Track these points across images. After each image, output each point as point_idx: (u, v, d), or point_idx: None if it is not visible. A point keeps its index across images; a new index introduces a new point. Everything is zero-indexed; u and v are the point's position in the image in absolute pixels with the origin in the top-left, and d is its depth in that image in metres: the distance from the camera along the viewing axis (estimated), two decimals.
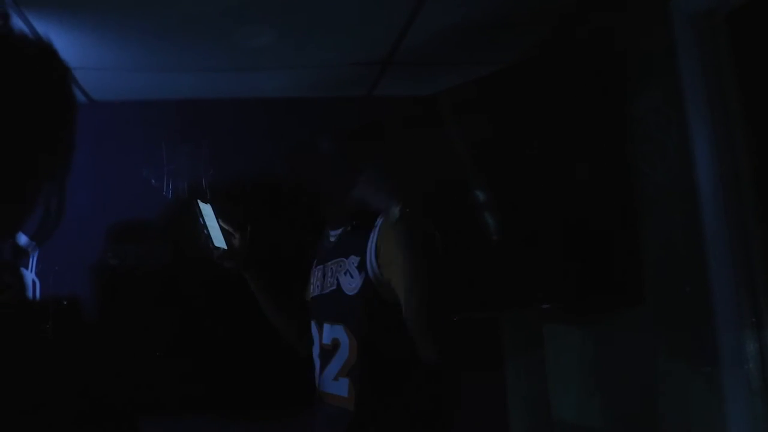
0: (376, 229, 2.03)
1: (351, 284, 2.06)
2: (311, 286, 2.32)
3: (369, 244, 2.03)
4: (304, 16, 2.58)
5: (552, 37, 2.86)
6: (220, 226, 2.36)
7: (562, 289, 2.60)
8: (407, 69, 3.20)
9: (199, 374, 3.07)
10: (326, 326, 2.14)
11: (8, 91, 0.85)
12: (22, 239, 0.90)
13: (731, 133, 2.11)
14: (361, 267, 2.04)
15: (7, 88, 0.85)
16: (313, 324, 2.24)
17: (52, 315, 2.28)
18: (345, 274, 2.10)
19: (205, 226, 2.33)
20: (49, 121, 0.91)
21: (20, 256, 0.90)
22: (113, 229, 3.16)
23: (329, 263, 2.19)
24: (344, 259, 2.12)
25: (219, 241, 2.34)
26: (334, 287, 2.13)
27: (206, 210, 2.34)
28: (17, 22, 0.88)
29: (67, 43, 2.65)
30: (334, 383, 2.08)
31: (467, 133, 2.92)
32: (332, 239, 2.25)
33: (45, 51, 0.92)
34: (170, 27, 2.59)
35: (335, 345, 2.09)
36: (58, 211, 0.91)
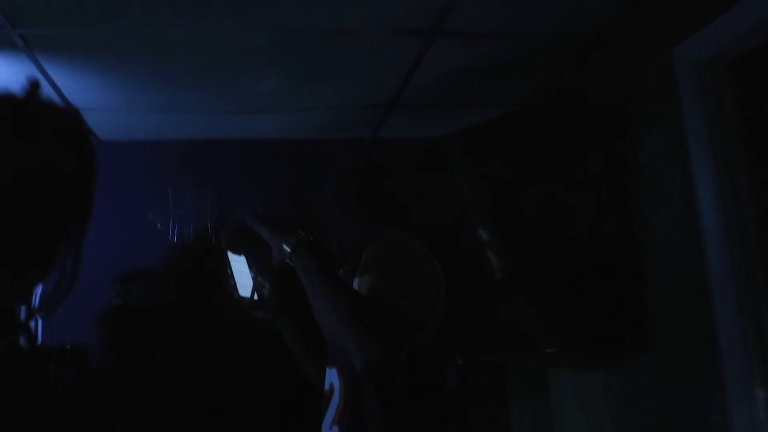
0: (362, 261, 1.90)
1: None
2: None
3: (354, 279, 1.90)
4: (311, 60, 2.61)
5: (556, 83, 2.89)
6: (252, 276, 2.34)
7: (567, 333, 2.58)
8: (412, 111, 3.23)
9: (203, 417, 3.04)
10: (327, 371, 2.01)
11: (34, 158, 0.86)
12: (36, 301, 0.91)
13: (735, 180, 2.11)
14: None
15: (33, 155, 0.86)
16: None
17: (54, 359, 2.27)
18: None
19: (232, 276, 2.32)
20: (71, 189, 0.93)
21: (33, 318, 0.91)
22: (117, 269, 3.16)
23: None
24: None
25: (248, 290, 2.33)
26: None
27: (237, 261, 2.34)
28: (45, 89, 0.90)
29: (77, 84, 2.69)
30: None
31: (472, 175, 2.93)
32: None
33: (72, 120, 0.94)
34: (179, 70, 2.63)
35: (331, 390, 1.96)
36: (72, 274, 0.92)
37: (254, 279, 2.35)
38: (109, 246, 3.14)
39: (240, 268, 2.35)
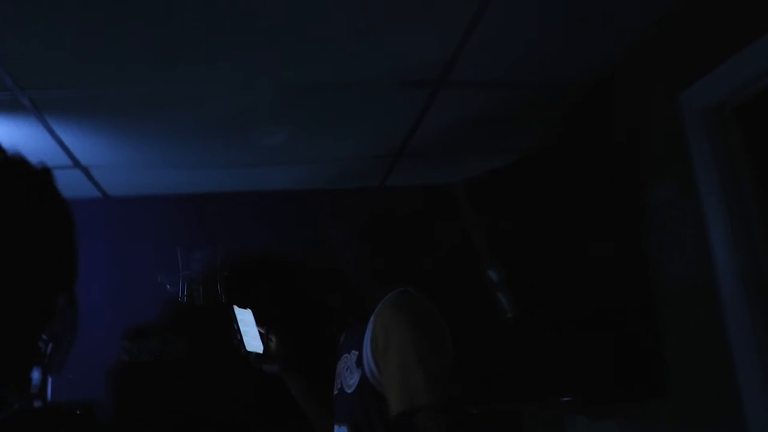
0: (372, 318, 1.91)
1: (350, 381, 1.94)
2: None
3: (365, 338, 1.91)
4: (318, 113, 2.63)
5: (562, 129, 2.89)
6: (258, 331, 2.33)
7: (583, 382, 2.54)
8: (419, 159, 3.24)
9: None
10: (336, 428, 2.01)
11: (8, 218, 0.85)
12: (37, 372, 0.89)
13: (748, 224, 2.09)
14: (359, 362, 1.92)
15: (7, 215, 0.84)
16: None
17: (65, 419, 2.23)
18: (347, 370, 1.99)
19: (238, 331, 2.31)
20: (52, 239, 0.91)
21: (45, 378, 0.89)
22: (126, 326, 3.15)
23: (341, 361, 2.10)
24: (347, 355, 2.02)
25: (253, 345, 2.32)
26: (340, 386, 2.03)
27: (243, 315, 2.33)
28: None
29: (85, 143, 2.71)
30: None
31: (483, 222, 2.93)
32: (345, 335, 2.18)
33: (32, 171, 0.91)
34: (186, 126, 2.64)
35: None
36: (72, 324, 0.90)
37: (261, 334, 2.33)
38: (118, 302, 3.13)
39: (247, 322, 2.34)
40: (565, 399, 2.71)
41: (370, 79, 2.40)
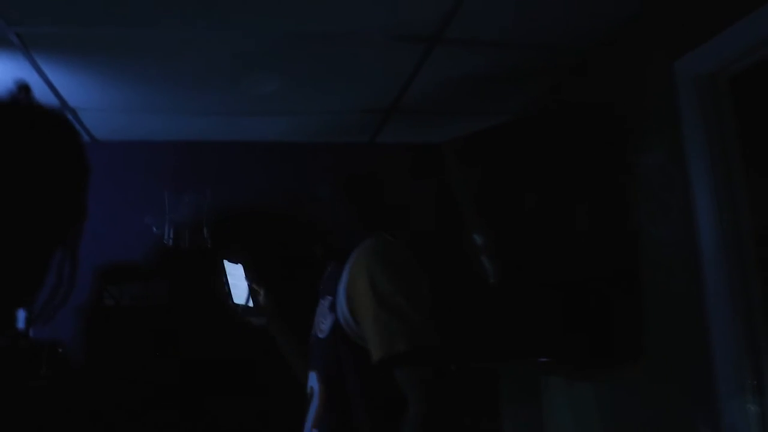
0: (348, 263, 1.87)
1: (323, 326, 1.90)
2: None
3: (340, 282, 1.87)
4: (310, 64, 2.60)
5: (555, 93, 2.88)
6: (248, 284, 2.34)
7: (560, 343, 2.58)
8: (410, 117, 3.23)
9: (193, 421, 3.02)
10: (310, 374, 1.98)
11: (26, 160, 0.85)
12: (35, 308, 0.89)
13: (733, 194, 2.11)
14: (332, 307, 1.88)
15: (25, 157, 0.85)
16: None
17: (46, 359, 2.25)
18: (321, 315, 1.95)
19: (227, 283, 2.32)
20: (63, 189, 0.92)
21: (33, 324, 0.90)
22: (110, 269, 3.14)
23: (318, 306, 2.05)
24: (322, 300, 1.98)
25: (241, 298, 2.33)
26: (314, 331, 1.99)
27: (233, 269, 2.34)
28: (41, 88, 0.90)
29: (73, 83, 2.67)
30: None
31: (469, 182, 2.93)
32: (323, 280, 2.11)
33: (61, 121, 0.93)
34: (177, 71, 2.61)
35: (311, 393, 1.93)
36: (70, 278, 0.91)
37: (250, 287, 2.35)
38: (103, 246, 3.12)
39: (236, 275, 2.35)
40: (542, 359, 2.75)
41: (365, 32, 2.37)
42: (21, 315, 0.89)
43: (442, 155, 3.12)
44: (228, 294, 2.31)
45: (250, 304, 2.34)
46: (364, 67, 2.66)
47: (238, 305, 2.33)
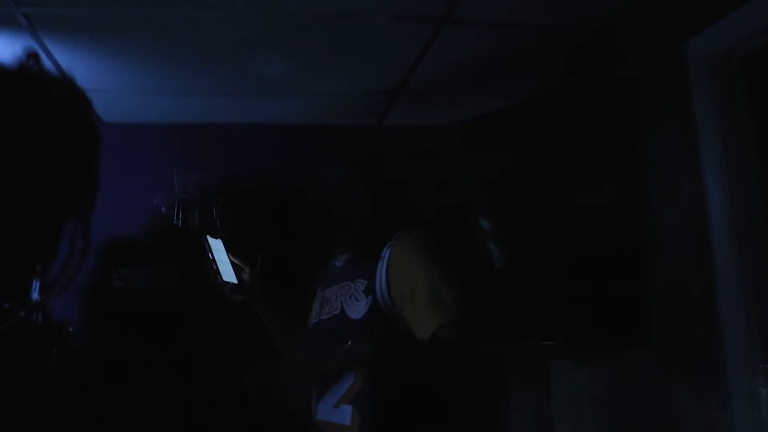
0: (386, 255, 2.00)
1: (356, 308, 2.00)
2: (313, 312, 2.26)
3: (379, 269, 1.98)
4: (318, 46, 2.59)
5: (565, 74, 2.86)
6: (231, 261, 2.33)
7: (568, 326, 2.57)
8: (418, 99, 3.21)
9: (197, 401, 3.04)
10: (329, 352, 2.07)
11: (37, 129, 0.84)
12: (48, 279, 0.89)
13: (744, 176, 2.09)
14: (368, 290, 1.99)
15: (36, 125, 0.84)
16: (314, 351, 2.17)
17: (57, 340, 2.25)
18: (350, 297, 2.04)
19: (213, 260, 2.31)
20: (74, 158, 0.91)
21: (47, 295, 0.89)
22: (119, 251, 3.15)
23: (333, 287, 2.13)
24: (350, 283, 2.06)
25: (229, 275, 2.32)
26: (338, 311, 2.06)
27: (216, 245, 2.33)
28: (46, 62, 0.88)
29: (81, 65, 2.66)
30: (334, 411, 1.99)
31: (478, 164, 2.91)
32: (338, 264, 2.20)
33: (72, 89, 0.91)
34: (185, 53, 2.60)
35: (335, 372, 2.03)
36: (83, 249, 0.90)
37: (234, 264, 2.33)
38: (111, 228, 3.13)
39: (220, 251, 2.33)
40: (548, 342, 2.75)
41: (373, 12, 2.35)
42: (36, 286, 0.89)
43: (449, 138, 3.11)
44: (216, 271, 2.31)
45: (236, 281, 2.33)
46: (372, 49, 2.64)
47: (225, 283, 2.32)
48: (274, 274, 2.38)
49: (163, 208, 3.14)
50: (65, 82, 0.91)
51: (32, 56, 0.87)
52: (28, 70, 0.87)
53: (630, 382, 2.57)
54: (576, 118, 2.56)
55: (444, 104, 3.30)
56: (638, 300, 2.45)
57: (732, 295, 2.06)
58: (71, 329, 2.53)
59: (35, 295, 0.88)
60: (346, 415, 1.96)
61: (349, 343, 2.00)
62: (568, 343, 2.73)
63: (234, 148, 3.34)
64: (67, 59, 2.61)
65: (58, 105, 0.89)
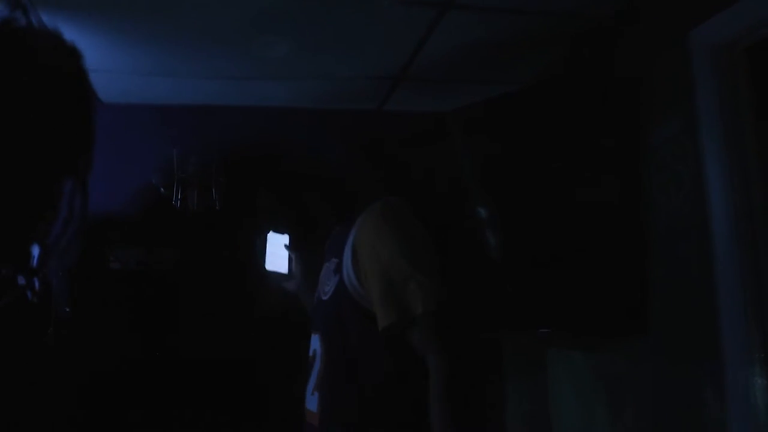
0: (355, 225, 1.86)
1: (327, 288, 1.90)
2: None
3: (346, 244, 1.86)
4: (320, 29, 2.57)
5: (567, 62, 2.84)
6: (288, 253, 2.34)
7: (565, 314, 2.57)
8: (420, 84, 3.19)
9: (194, 382, 3.04)
10: (312, 336, 1.98)
11: (28, 86, 0.82)
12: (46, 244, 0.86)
13: (746, 166, 2.09)
14: (337, 269, 1.87)
15: (27, 83, 0.82)
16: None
17: (54, 321, 2.25)
18: (325, 277, 1.95)
19: (266, 252, 2.33)
20: (68, 114, 0.88)
21: (46, 261, 0.87)
22: (116, 231, 3.14)
23: (322, 270, 2.06)
24: (327, 263, 1.99)
25: (278, 266, 2.34)
26: (318, 293, 1.99)
27: (277, 239, 2.34)
28: (34, 17, 0.85)
29: (81, 44, 2.63)
30: (311, 398, 1.90)
31: (477, 152, 2.90)
32: (328, 242, 2.14)
33: (63, 45, 0.89)
34: (186, 33, 2.58)
35: (313, 356, 1.93)
36: (82, 210, 0.88)
37: (290, 256, 2.34)
38: (108, 208, 3.12)
39: (277, 244, 2.34)
40: (543, 330, 2.75)
41: None
42: (35, 253, 0.87)
43: (449, 124, 3.09)
44: (263, 260, 2.32)
45: (285, 270, 2.35)
46: (375, 32, 2.62)
47: (272, 272, 2.34)
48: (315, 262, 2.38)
49: (162, 189, 3.13)
50: (55, 35, 0.88)
51: (19, 7, 0.84)
52: (14, 23, 0.84)
53: (628, 371, 2.57)
54: (577, 106, 2.55)
55: (445, 90, 3.29)
56: (636, 288, 2.45)
57: (730, 285, 2.06)
58: (68, 309, 2.54)
59: (35, 262, 0.87)
60: (314, 402, 1.87)
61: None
62: (565, 331, 2.73)
63: (233, 130, 3.32)
64: (67, 37, 2.58)
65: (48, 60, 0.86)
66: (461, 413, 1.68)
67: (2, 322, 0.89)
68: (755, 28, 2.04)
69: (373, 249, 1.77)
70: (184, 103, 3.29)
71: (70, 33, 2.58)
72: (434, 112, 3.46)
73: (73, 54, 0.89)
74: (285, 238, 2.36)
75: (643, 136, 2.43)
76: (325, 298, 1.90)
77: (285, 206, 2.95)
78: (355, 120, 3.41)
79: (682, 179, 2.23)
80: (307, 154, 2.68)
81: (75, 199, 0.87)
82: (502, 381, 3.40)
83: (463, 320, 2.79)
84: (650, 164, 2.39)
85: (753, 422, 1.99)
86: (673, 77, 2.28)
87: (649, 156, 2.40)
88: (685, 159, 2.21)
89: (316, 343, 1.93)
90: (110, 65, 2.85)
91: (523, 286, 2.61)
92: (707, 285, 2.13)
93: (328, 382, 1.84)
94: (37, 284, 0.87)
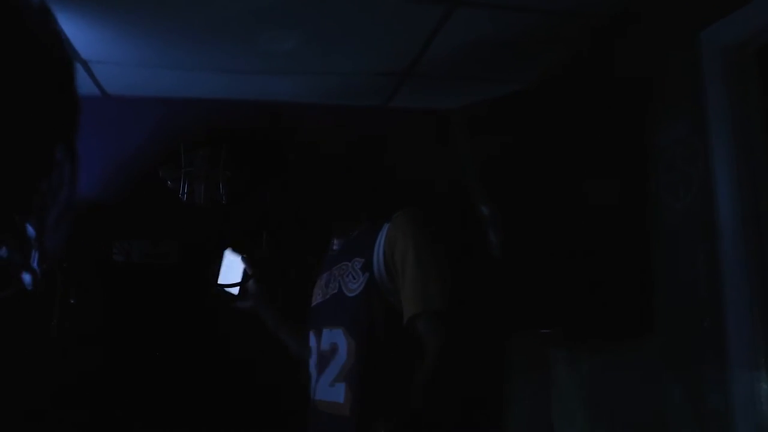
0: (384, 232, 1.99)
1: (353, 285, 2.01)
2: (314, 297, 2.25)
3: (376, 246, 1.98)
4: (328, 24, 2.56)
5: (574, 61, 2.83)
6: (243, 270, 2.32)
7: (569, 315, 2.57)
8: (426, 82, 3.18)
9: (195, 377, 3.03)
10: (325, 331, 2.07)
11: (8, 51, 0.80)
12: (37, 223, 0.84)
13: (755, 168, 2.08)
14: (366, 267, 1.99)
15: (7, 47, 0.79)
16: (311, 333, 2.16)
17: (58, 313, 2.25)
18: (348, 275, 2.05)
19: (219, 268, 2.31)
20: (50, 79, 0.86)
21: (42, 238, 0.84)
22: (120, 223, 3.13)
23: (333, 269, 2.14)
24: (347, 263, 2.07)
25: (229, 279, 2.31)
26: (336, 291, 2.07)
27: (232, 257, 2.32)
28: None
29: (87, 35, 2.63)
30: (330, 389, 1.99)
31: (481, 151, 2.89)
32: (336, 248, 2.22)
33: (33, 5, 0.86)
34: (193, 26, 2.57)
35: (333, 349, 2.01)
36: (71, 178, 0.86)
37: (244, 274, 2.32)
38: (114, 200, 3.11)
39: (233, 260, 2.32)
40: (545, 331, 2.75)
41: None
42: (28, 226, 0.84)
43: (453, 122, 3.09)
44: (215, 274, 2.30)
45: (235, 290, 2.33)
46: (382, 29, 2.61)
47: (221, 286, 2.31)
48: (276, 274, 2.37)
49: (168, 182, 3.11)
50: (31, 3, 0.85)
51: None
52: None
53: (631, 372, 2.56)
54: (584, 106, 2.54)
55: (451, 88, 3.27)
56: (641, 289, 2.44)
57: (737, 288, 2.05)
58: (72, 301, 2.52)
59: (31, 240, 0.84)
60: (340, 393, 1.96)
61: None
62: (568, 331, 2.73)
63: (240, 124, 3.31)
64: (73, 28, 2.57)
65: (18, 23, 0.83)
66: (442, 399, 1.85)
67: (3, 313, 0.86)
68: (766, 30, 2.03)
69: (406, 247, 1.92)
70: (190, 96, 3.28)
71: (78, 24, 2.58)
72: (440, 109, 3.46)
73: (46, 14, 0.86)
74: (238, 258, 2.33)
75: (651, 137, 2.41)
76: (351, 295, 2.00)
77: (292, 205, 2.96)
78: (360, 116, 3.40)
79: (691, 180, 2.22)
80: (308, 149, 2.67)
81: (64, 167, 0.85)
82: (505, 381, 3.39)
83: (471, 321, 2.80)
84: (659, 165, 2.38)
85: (759, 426, 1.98)
86: (683, 78, 2.27)
87: (657, 156, 2.39)
88: (694, 160, 2.20)
89: (336, 336, 2.02)
90: (117, 57, 2.84)
91: (527, 287, 2.61)
92: (713, 288, 2.12)
93: (358, 371, 1.94)
94: (36, 268, 0.84)
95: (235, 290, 2.32)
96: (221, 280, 2.30)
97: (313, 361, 2.12)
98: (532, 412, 3.24)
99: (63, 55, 0.87)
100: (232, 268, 2.32)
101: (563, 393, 3.06)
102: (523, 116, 2.76)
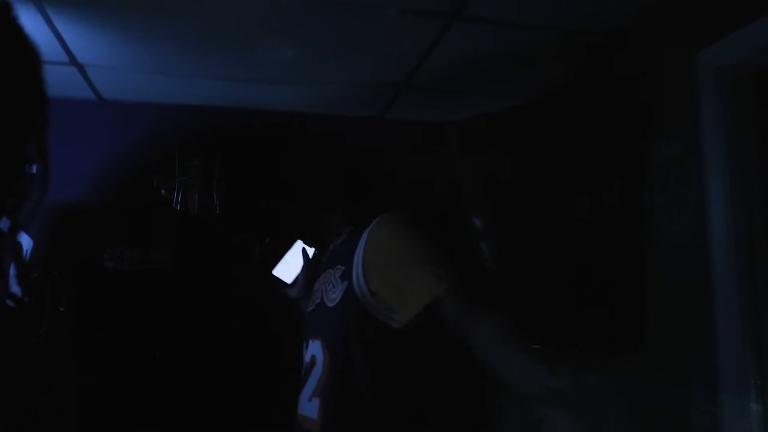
0: (364, 237, 1.87)
1: (333, 294, 1.89)
2: (309, 305, 2.16)
3: (356, 252, 1.86)
4: (326, 34, 2.56)
5: (571, 78, 2.84)
6: (303, 264, 2.30)
7: (559, 329, 2.56)
8: (422, 94, 3.19)
9: (188, 384, 3.02)
10: (310, 343, 1.97)
11: None
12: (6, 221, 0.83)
13: (748, 190, 2.08)
14: (345, 275, 1.87)
15: None
16: (303, 344, 2.07)
17: (47, 320, 2.22)
18: (329, 284, 1.94)
19: (278, 257, 2.28)
20: (18, 75, 0.84)
21: (18, 229, 0.83)
22: (112, 230, 3.12)
23: (321, 277, 2.05)
24: (331, 270, 1.97)
25: (287, 275, 2.30)
26: (319, 300, 1.98)
27: (298, 250, 2.29)
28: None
29: (84, 39, 2.63)
30: (308, 404, 1.88)
31: (474, 164, 2.89)
32: (329, 251, 2.13)
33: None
34: (190, 33, 2.56)
35: (312, 362, 1.91)
36: (43, 175, 0.84)
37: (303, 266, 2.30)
38: (104, 205, 3.10)
39: (296, 254, 2.29)
40: (537, 346, 2.74)
41: (384, 3, 2.32)
42: (4, 226, 0.83)
43: (447, 135, 3.09)
44: (273, 264, 2.27)
45: (290, 280, 2.31)
46: (381, 40, 2.61)
47: (278, 279, 2.29)
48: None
49: (162, 191, 3.10)
50: None
51: None
52: None
53: (621, 390, 2.56)
54: (579, 123, 2.55)
55: (447, 101, 3.28)
56: (634, 306, 2.44)
57: (729, 308, 2.06)
58: (62, 309, 2.50)
59: (4, 228, 0.83)
60: (314, 408, 1.85)
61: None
62: (559, 346, 2.72)
63: (236, 133, 3.31)
64: (70, 33, 2.57)
65: None
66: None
67: None
68: (762, 53, 2.04)
69: (389, 249, 1.80)
70: (186, 102, 3.28)
71: (76, 29, 2.58)
72: (435, 122, 3.46)
73: (7, 12, 0.84)
74: (305, 250, 2.31)
75: (646, 155, 2.42)
76: (330, 305, 1.89)
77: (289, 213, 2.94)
78: (356, 126, 3.41)
79: (686, 201, 2.22)
80: (304, 158, 2.66)
81: (35, 163, 0.84)
82: (497, 392, 3.38)
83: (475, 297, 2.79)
84: (653, 184, 2.38)
85: None
86: (679, 98, 2.27)
87: (652, 176, 2.39)
88: (688, 181, 2.21)
89: (315, 349, 1.92)
90: (113, 62, 2.83)
91: (517, 301, 2.60)
92: (706, 307, 2.12)
93: (332, 387, 1.83)
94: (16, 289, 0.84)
95: (289, 278, 2.27)
96: (277, 273, 2.27)
97: (302, 374, 2.03)
98: (522, 427, 3.23)
99: (28, 53, 0.85)
100: (290, 261, 2.28)
101: (555, 406, 3.05)
102: (518, 131, 2.76)
